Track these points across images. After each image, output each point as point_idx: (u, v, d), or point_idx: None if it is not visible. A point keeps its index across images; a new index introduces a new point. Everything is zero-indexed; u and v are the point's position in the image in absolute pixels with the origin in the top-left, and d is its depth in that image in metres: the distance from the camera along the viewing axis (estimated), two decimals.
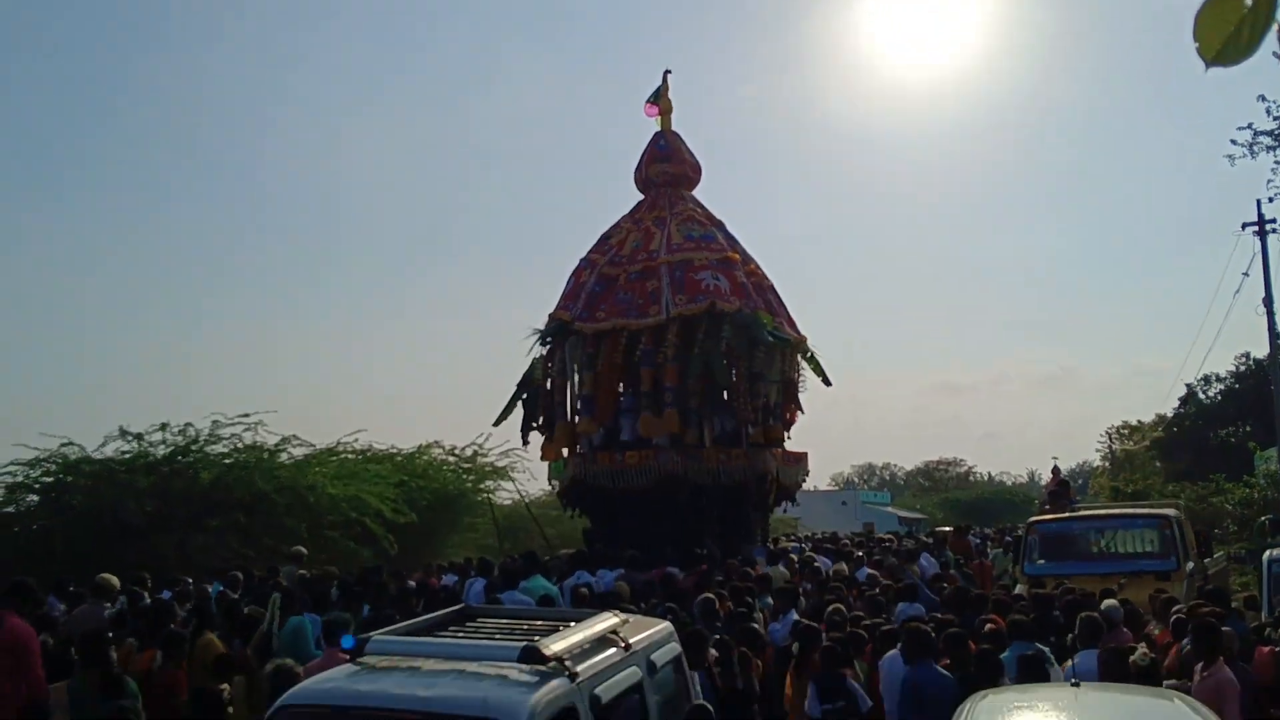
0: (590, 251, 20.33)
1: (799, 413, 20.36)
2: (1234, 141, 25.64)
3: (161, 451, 22.54)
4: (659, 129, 21.17)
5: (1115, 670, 7.49)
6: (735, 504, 18.20)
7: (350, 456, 27.29)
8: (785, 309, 20.05)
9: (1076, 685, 6.20)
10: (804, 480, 21.23)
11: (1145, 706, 6.02)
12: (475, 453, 30.39)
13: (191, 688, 7.03)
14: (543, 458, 19.90)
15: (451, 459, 30.22)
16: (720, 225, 20.38)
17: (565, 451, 19.60)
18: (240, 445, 23.61)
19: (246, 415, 23.62)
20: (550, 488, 21.69)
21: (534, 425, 19.94)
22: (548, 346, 19.69)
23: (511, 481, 31.04)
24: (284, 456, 24.68)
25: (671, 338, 18.08)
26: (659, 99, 21.19)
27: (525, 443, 20.48)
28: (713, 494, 17.70)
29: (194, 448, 22.83)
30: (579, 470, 18.57)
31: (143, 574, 14.76)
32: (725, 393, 18.57)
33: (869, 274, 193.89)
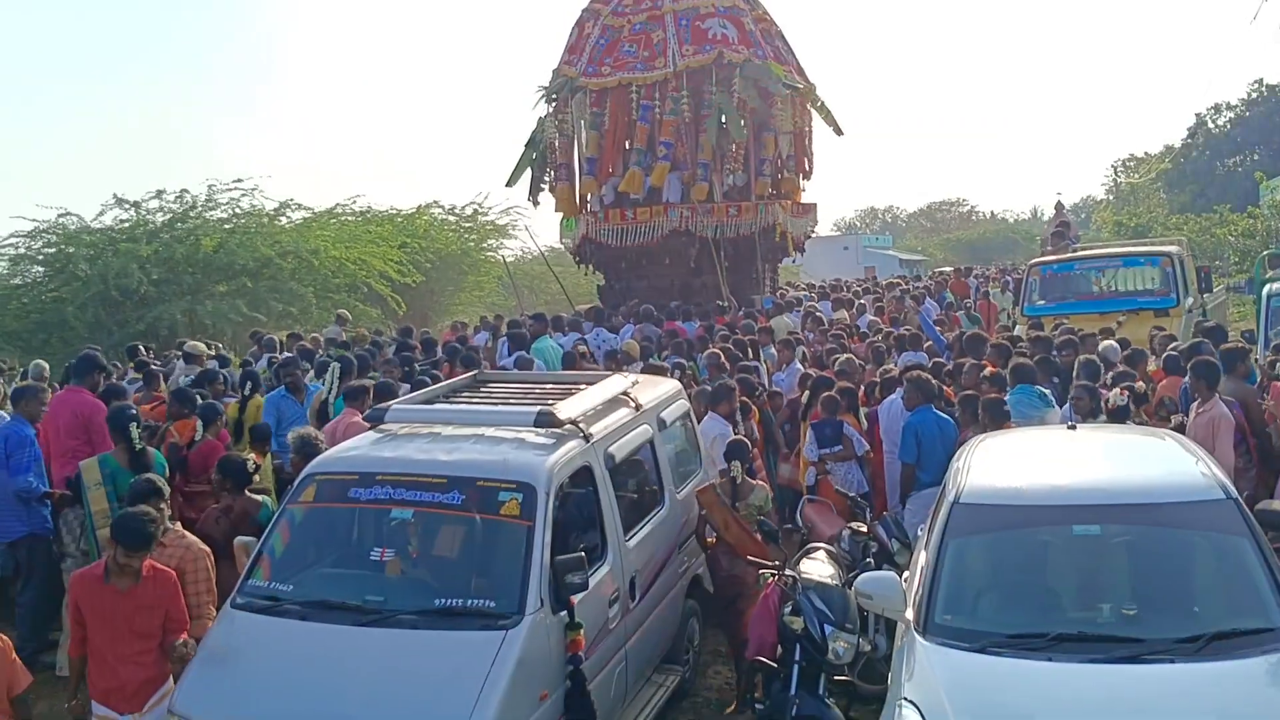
0: (592, 1, 19.33)
1: (810, 163, 19.99)
2: None
3: (160, 219, 22.46)
4: None
5: (1087, 406, 7.71)
6: (744, 256, 18.31)
7: (350, 220, 27.22)
8: (794, 56, 19.35)
9: (1073, 427, 6.42)
10: (812, 231, 21.17)
11: (1137, 445, 6.24)
12: (475, 211, 30.29)
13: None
14: (557, 209, 19.71)
15: (452, 218, 30.14)
16: None
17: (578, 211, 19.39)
18: (239, 211, 23.51)
19: (240, 180, 23.41)
20: (562, 245, 21.73)
21: (543, 185, 19.74)
22: (554, 104, 19.22)
23: (513, 239, 31.11)
24: (284, 221, 24.63)
25: (674, 90, 17.60)
26: None
27: (535, 203, 20.30)
28: (722, 247, 17.74)
29: (192, 214, 22.73)
30: (590, 228, 18.47)
31: (181, 340, 15.22)
32: (735, 146, 18.21)
33: (871, 6, 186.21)
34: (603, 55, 18.34)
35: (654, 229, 17.72)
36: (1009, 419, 7.77)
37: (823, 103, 19.79)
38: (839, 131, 20.01)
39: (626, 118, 18.06)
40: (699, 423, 8.18)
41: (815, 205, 20.39)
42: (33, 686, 4.89)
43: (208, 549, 5.49)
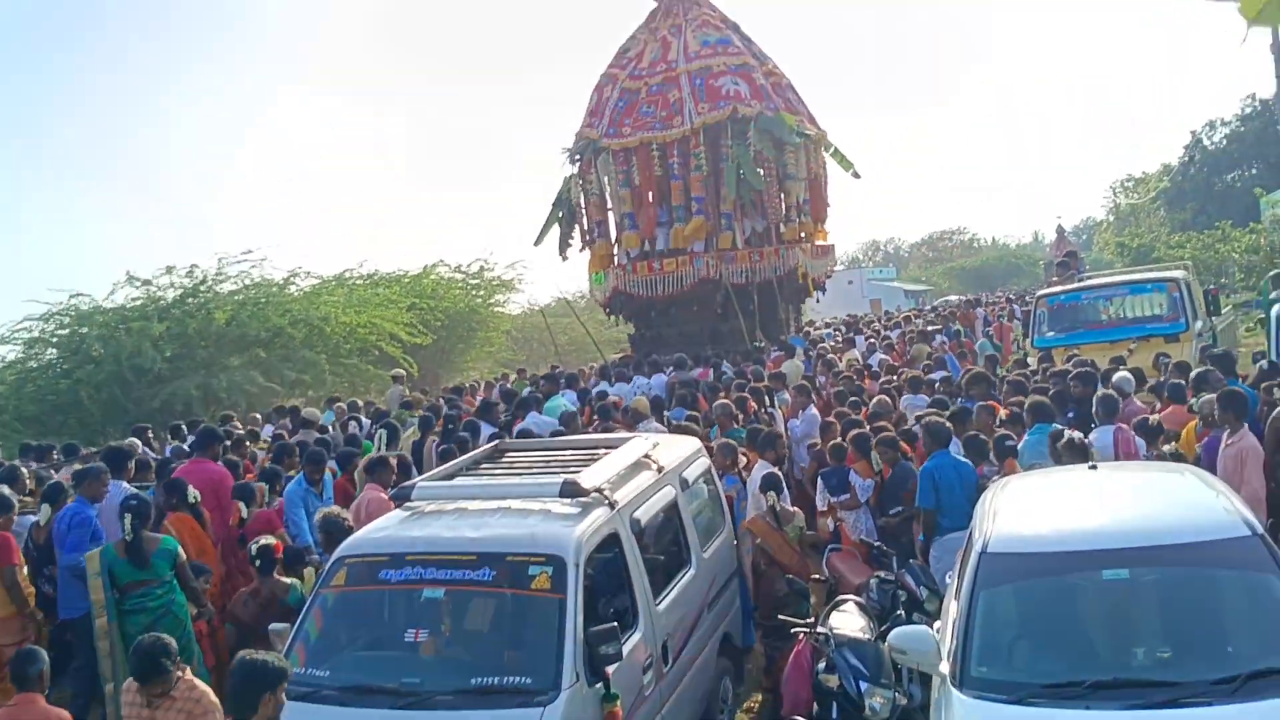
0: (610, 66, 20.37)
1: (827, 206, 20.77)
2: None
3: (171, 295, 22.64)
4: None
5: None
6: (769, 299, 19.00)
7: (358, 284, 27.43)
8: (804, 105, 20.27)
9: (1094, 467, 6.44)
10: (832, 270, 21.84)
11: (1158, 483, 6.25)
12: (481, 268, 30.57)
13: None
14: (592, 265, 20.56)
15: (458, 276, 30.38)
16: (735, 28, 20.30)
17: (605, 265, 20.27)
18: (249, 282, 23.71)
19: (250, 252, 23.66)
20: (593, 298, 22.60)
21: (570, 242, 20.56)
22: (578, 164, 19.93)
23: (520, 293, 31.49)
24: (293, 289, 24.82)
25: (696, 147, 18.45)
26: None
27: (565, 259, 21.17)
28: (748, 292, 18.48)
29: (203, 288, 22.91)
30: (619, 281, 19.29)
31: (228, 413, 15.58)
32: (755, 195, 18.96)
33: (854, 43, 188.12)
34: (623, 117, 19.28)
35: (682, 278, 18.59)
36: (1014, 454, 7.87)
37: (836, 148, 20.42)
38: (856, 175, 20.67)
39: (652, 174, 18.85)
40: (751, 470, 8.52)
41: (833, 246, 21.43)
42: None
43: (218, 703, 5.04)
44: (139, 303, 22.19)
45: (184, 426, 13.78)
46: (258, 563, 6.75)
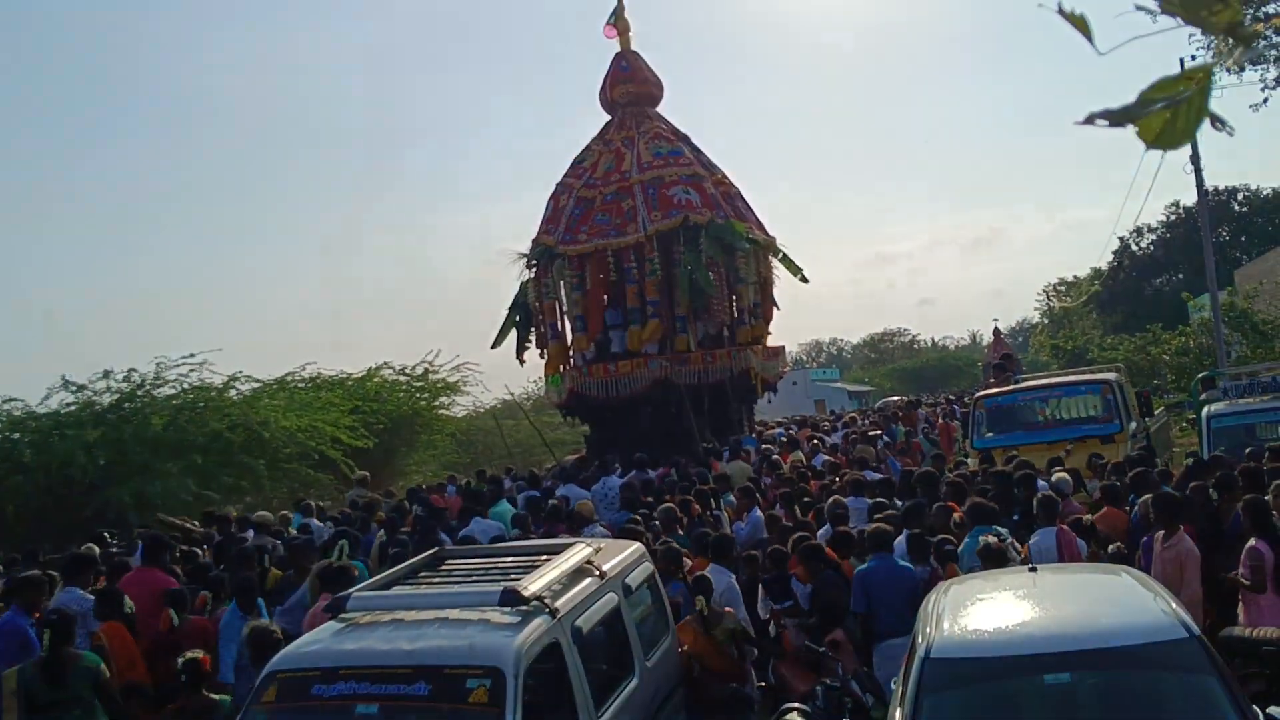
0: (565, 176, 20.96)
1: (775, 309, 21.43)
2: None
3: (107, 400, 22.16)
4: (619, 50, 21.45)
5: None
6: (721, 400, 19.36)
7: (300, 387, 27.07)
8: (753, 213, 20.95)
9: (1034, 570, 6.47)
10: (783, 372, 22.41)
11: (1096, 585, 6.32)
12: (426, 370, 30.39)
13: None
14: (548, 367, 20.96)
15: (403, 379, 30.14)
16: (686, 139, 21.04)
17: (560, 366, 20.67)
18: (187, 386, 23.29)
19: (190, 355, 23.32)
20: (548, 399, 23.01)
21: (527, 344, 21.01)
22: (533, 270, 20.49)
23: (465, 395, 31.39)
24: (233, 394, 24.39)
25: (650, 253, 18.99)
26: (617, 19, 21.38)
27: (521, 362, 21.55)
28: (701, 393, 18.86)
29: (140, 393, 22.45)
30: (575, 383, 19.68)
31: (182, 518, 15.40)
32: (707, 299, 19.44)
33: (796, 152, 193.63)
34: (578, 224, 19.83)
35: (636, 380, 18.94)
36: (954, 559, 7.92)
37: (784, 254, 20.99)
38: (804, 279, 21.25)
39: (605, 278, 19.43)
40: (704, 570, 8.36)
41: (783, 348, 22.00)
42: None
43: None
44: (74, 408, 21.71)
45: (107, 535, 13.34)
46: (184, 678, 6.48)
